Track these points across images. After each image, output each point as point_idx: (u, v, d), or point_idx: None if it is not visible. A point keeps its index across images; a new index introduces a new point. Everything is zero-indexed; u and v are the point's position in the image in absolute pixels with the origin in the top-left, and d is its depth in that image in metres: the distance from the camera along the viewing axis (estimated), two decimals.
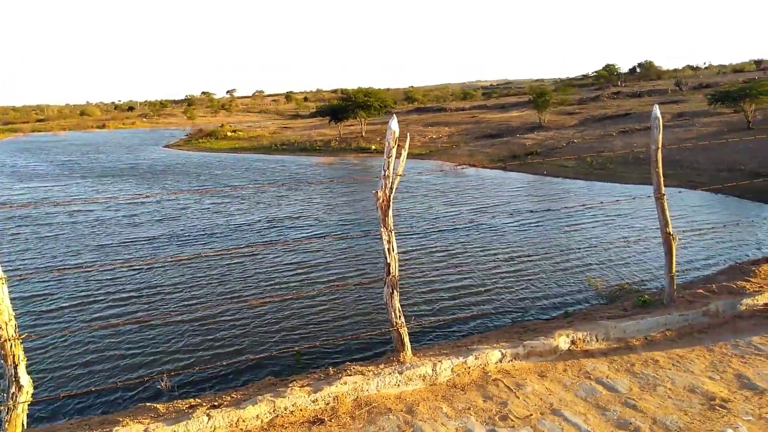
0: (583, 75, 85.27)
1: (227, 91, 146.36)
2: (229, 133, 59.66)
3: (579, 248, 12.70)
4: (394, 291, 4.39)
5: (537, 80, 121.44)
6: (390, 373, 4.22)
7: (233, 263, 12.35)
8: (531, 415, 3.81)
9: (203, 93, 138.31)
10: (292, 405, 3.93)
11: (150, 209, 20.24)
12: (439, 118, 56.72)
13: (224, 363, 5.77)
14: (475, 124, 48.74)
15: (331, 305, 9.13)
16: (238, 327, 8.40)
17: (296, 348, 6.29)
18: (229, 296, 9.89)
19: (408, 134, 5.30)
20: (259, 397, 3.94)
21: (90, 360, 7.53)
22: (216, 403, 3.98)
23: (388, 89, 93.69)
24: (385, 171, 4.34)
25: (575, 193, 21.55)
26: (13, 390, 3.52)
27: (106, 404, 6.00)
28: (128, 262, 5.52)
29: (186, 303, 9.69)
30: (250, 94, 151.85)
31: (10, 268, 12.88)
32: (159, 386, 5.13)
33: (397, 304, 4.39)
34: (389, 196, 4.35)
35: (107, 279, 11.64)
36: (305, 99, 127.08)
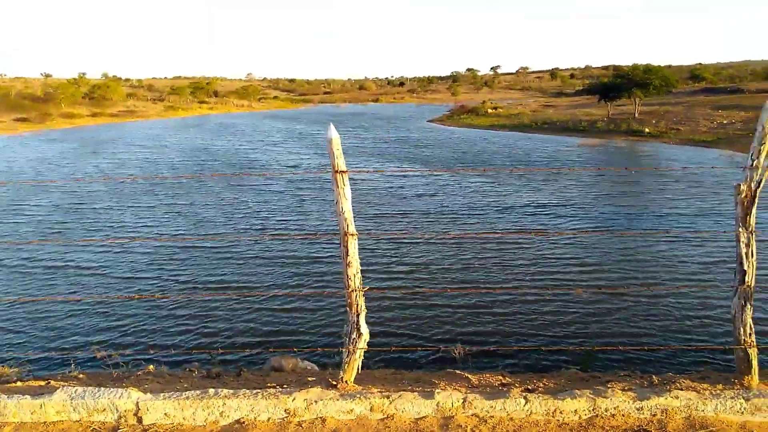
0: None
1: (491, 68, 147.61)
2: (489, 110, 60.16)
3: None
4: (747, 303, 3.72)
5: None
6: (732, 398, 3.61)
7: (502, 248, 12.33)
8: None
9: (468, 69, 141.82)
10: (614, 408, 3.61)
11: (415, 183, 21.40)
12: (733, 101, 48.97)
13: (514, 347, 5.71)
14: None
15: (627, 307, 8.49)
16: (524, 313, 8.39)
17: (592, 347, 5.92)
18: (508, 281, 9.95)
19: None
20: (577, 392, 3.71)
21: (405, 320, 8.30)
22: (529, 387, 3.87)
23: (669, 66, 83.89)
24: (752, 161, 3.65)
25: None
26: (354, 336, 3.87)
27: (408, 361, 6.53)
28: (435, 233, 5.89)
29: (463, 280, 10.03)
30: (514, 71, 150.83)
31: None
32: (454, 354, 5.29)
33: (749, 320, 3.72)
34: (755, 191, 3.66)
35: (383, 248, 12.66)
36: (571, 76, 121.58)
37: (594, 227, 14.28)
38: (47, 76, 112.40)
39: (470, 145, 35.87)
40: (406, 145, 36.05)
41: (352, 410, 3.62)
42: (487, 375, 4.16)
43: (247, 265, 11.72)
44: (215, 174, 20.01)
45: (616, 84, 45.86)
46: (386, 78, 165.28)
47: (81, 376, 4.74)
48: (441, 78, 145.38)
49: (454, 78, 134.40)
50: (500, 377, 4.12)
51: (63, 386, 3.97)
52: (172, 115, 70.42)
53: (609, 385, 3.82)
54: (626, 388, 3.78)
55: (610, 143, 36.02)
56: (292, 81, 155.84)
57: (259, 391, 3.78)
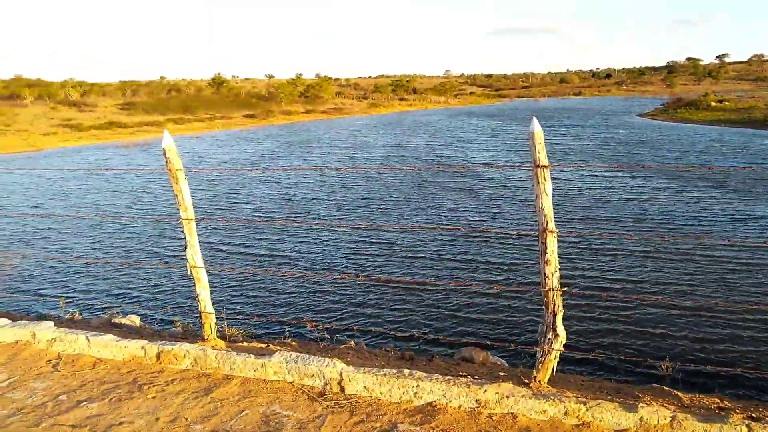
0: None
1: (717, 57, 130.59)
2: (713, 103, 53.48)
3: None
4: None
5: None
6: None
7: (731, 260, 10.81)
8: None
9: (688, 59, 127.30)
10: None
11: (623, 184, 19.81)
12: None
13: (737, 369, 5.01)
14: None
15: None
16: (753, 333, 7.39)
17: None
18: (735, 296, 8.83)
19: None
20: None
21: (606, 326, 7.95)
22: (753, 415, 3.39)
23: None
24: None
25: None
26: (549, 336, 3.75)
27: (607, 370, 6.18)
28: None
29: (680, 291, 9.12)
30: (746, 59, 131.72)
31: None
32: (661, 369, 4.84)
33: None
34: None
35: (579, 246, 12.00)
36: None
37: None
38: (270, 77, 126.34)
39: (690, 143, 32.16)
40: (611, 143, 33.61)
41: (545, 411, 3.52)
42: (700, 396, 3.74)
43: (442, 258, 12.01)
44: (412, 168, 20.76)
45: None
46: (591, 70, 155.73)
47: (293, 343, 5.30)
48: (654, 69, 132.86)
49: (670, 68, 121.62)
50: (717, 400, 3.67)
51: (279, 350, 4.48)
52: (374, 112, 74.59)
53: None
54: None
55: None
56: (488, 76, 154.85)
57: (451, 377, 3.86)
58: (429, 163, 27.38)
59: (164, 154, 4.59)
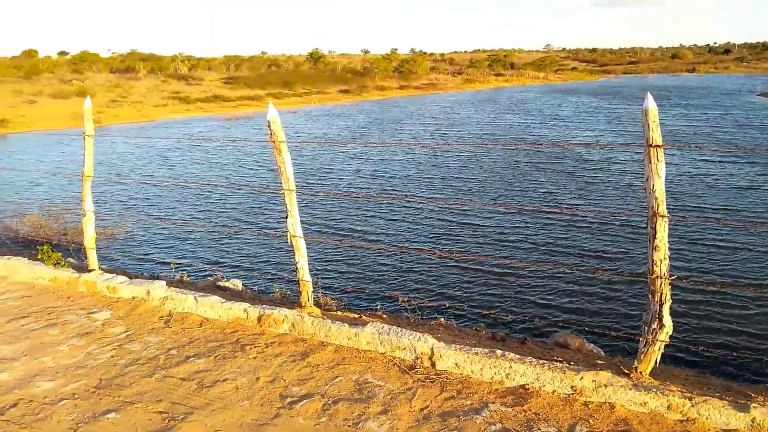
0: None
1: None
2: None
3: None
4: None
5: None
6: None
7: None
8: None
9: None
10: None
11: (741, 171, 18.28)
12: None
13: None
14: None
15: None
16: None
17: None
18: None
19: None
20: None
21: (717, 320, 7.51)
22: None
23: None
24: None
25: None
26: (654, 326, 3.56)
27: (716, 367, 5.83)
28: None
29: None
30: None
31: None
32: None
33: None
34: None
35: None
36: None
37: None
38: (366, 52, 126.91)
39: None
40: (728, 125, 30.96)
41: (645, 403, 3.37)
42: None
43: (538, 241, 11.70)
44: (514, 143, 20.24)
45: None
46: (707, 45, 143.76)
47: (384, 315, 5.39)
48: None
49: None
50: None
51: (372, 322, 4.57)
52: (469, 88, 73.19)
53: None
54: None
55: None
56: (593, 51, 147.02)
57: (545, 362, 3.78)
58: (524, 143, 26.56)
59: (269, 126, 4.75)
